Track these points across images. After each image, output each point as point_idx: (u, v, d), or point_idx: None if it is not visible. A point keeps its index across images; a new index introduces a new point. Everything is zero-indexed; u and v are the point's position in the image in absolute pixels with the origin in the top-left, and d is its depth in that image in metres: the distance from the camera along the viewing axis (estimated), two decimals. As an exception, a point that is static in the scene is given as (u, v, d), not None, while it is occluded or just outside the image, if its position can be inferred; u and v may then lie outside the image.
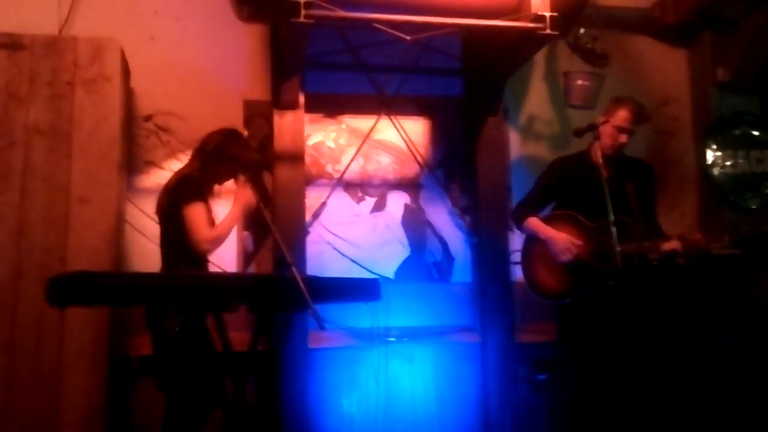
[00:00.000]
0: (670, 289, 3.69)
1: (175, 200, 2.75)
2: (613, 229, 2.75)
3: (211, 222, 2.80)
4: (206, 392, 2.67)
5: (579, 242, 3.06)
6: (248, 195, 2.84)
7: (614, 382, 2.98)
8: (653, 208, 3.20)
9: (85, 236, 2.99)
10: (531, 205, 3.30)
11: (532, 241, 3.25)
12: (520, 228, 3.31)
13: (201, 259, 2.81)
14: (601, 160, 2.94)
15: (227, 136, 2.92)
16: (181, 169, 2.92)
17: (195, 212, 2.71)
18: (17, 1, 3.46)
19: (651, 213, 3.14)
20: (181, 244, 2.72)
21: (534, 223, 3.21)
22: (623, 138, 3.10)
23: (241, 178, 2.89)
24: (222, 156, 2.87)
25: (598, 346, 3.01)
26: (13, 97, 3.02)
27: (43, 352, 2.88)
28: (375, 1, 3.02)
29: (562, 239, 3.08)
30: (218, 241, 2.77)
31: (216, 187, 2.98)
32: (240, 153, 2.90)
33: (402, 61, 3.83)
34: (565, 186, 3.24)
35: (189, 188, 2.77)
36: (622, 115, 3.11)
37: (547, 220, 3.22)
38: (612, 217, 2.76)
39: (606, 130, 3.10)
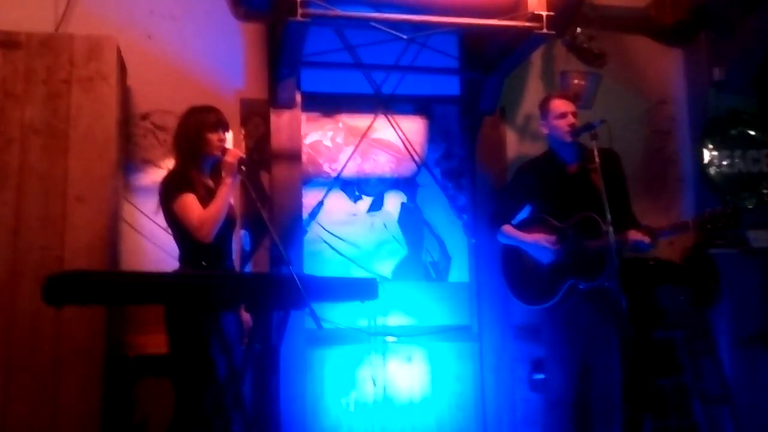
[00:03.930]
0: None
1: (164, 203, 2.67)
2: (610, 230, 2.74)
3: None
4: (214, 391, 2.60)
5: (554, 242, 3.03)
6: (233, 152, 2.66)
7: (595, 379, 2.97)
8: (625, 197, 3.11)
9: (82, 235, 2.98)
10: (503, 213, 3.26)
11: (509, 249, 3.22)
12: (496, 237, 3.26)
13: (216, 257, 2.69)
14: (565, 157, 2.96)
15: (184, 114, 2.77)
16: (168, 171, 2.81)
17: (181, 205, 2.59)
18: (13, -2, 3.45)
19: (623, 202, 3.05)
20: (190, 244, 2.64)
21: (509, 230, 3.18)
22: (570, 119, 3.08)
23: (214, 139, 2.68)
24: (185, 133, 2.73)
25: (580, 344, 3.00)
26: (8, 95, 3.00)
27: (39, 351, 2.87)
28: (372, -1, 3.02)
29: (538, 242, 3.05)
30: (209, 222, 2.57)
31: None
32: (199, 118, 2.72)
33: (399, 60, 3.83)
34: (534, 189, 3.21)
35: (170, 185, 2.67)
36: (556, 104, 3.12)
37: (520, 227, 3.19)
38: (609, 218, 2.75)
39: (555, 125, 3.10)
